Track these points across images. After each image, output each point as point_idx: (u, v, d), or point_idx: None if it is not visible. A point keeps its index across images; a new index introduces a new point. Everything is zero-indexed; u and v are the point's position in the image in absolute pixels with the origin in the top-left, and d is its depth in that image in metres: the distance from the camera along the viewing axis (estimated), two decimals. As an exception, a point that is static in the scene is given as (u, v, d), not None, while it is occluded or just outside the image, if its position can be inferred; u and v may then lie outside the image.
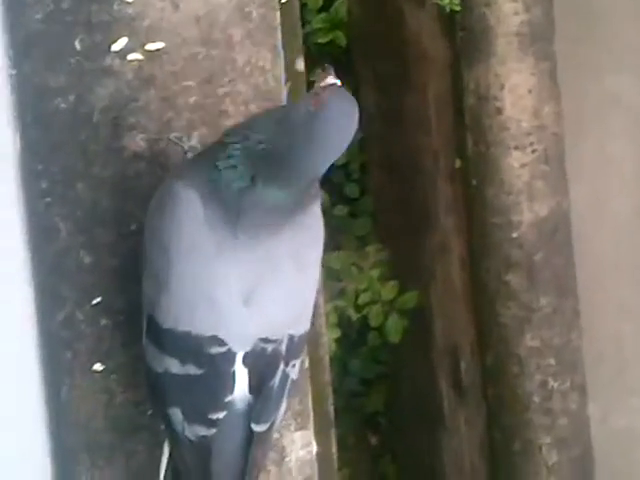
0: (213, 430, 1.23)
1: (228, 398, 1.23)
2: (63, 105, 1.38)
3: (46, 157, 1.37)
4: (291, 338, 1.25)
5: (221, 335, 1.21)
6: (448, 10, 2.30)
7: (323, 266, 1.42)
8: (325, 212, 1.30)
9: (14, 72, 1.33)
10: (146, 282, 1.26)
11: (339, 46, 2.49)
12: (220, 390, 1.23)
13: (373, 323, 2.50)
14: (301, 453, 1.45)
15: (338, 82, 1.16)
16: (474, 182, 2.38)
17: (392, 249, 2.57)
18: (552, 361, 2.37)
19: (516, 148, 2.33)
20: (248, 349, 1.23)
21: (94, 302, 1.38)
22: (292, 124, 1.14)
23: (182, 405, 1.23)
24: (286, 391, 1.27)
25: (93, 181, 1.39)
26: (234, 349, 1.22)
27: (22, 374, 1.23)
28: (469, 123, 2.37)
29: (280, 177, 1.16)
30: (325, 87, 1.15)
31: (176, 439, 1.25)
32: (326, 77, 1.16)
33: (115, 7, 1.40)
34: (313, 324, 1.38)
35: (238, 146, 1.18)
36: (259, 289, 1.21)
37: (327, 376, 1.73)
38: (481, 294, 2.42)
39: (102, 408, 1.38)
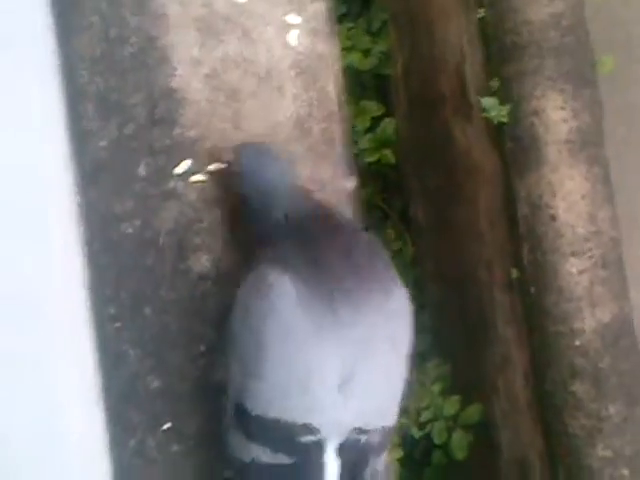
0: None
1: None
2: (129, 230, 1.39)
3: (114, 282, 1.37)
4: (384, 430, 1.22)
5: (315, 423, 1.18)
6: (496, 122, 2.32)
7: None
8: None
9: (81, 200, 1.34)
10: (234, 366, 1.23)
11: (388, 164, 2.51)
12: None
13: (437, 440, 2.43)
14: None
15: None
16: (532, 291, 2.35)
17: (453, 363, 2.53)
18: (626, 471, 2.29)
19: (573, 254, 2.31)
20: (342, 439, 1.19)
21: (164, 427, 1.36)
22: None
23: None
24: None
25: (161, 304, 1.38)
26: (327, 437, 1.19)
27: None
28: (523, 232, 2.36)
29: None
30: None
31: None
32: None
33: (177, 131, 1.41)
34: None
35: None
36: (355, 374, 1.19)
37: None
38: (547, 405, 2.37)
39: (176, 538, 1.35)
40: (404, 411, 2.41)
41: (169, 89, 1.41)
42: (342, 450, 1.20)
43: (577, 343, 2.29)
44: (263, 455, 1.20)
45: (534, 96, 2.28)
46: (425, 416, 2.42)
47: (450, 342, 2.55)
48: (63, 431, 1.08)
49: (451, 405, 2.45)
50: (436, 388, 2.46)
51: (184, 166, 1.41)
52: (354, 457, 1.20)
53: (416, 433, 2.40)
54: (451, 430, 2.43)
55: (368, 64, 2.42)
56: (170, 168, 1.40)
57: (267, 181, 1.25)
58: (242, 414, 1.21)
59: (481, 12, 2.27)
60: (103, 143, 1.39)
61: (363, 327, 1.20)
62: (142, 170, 1.40)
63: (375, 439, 1.22)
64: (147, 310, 1.38)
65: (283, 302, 1.19)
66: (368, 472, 1.22)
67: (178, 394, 1.37)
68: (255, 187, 1.26)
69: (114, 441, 1.31)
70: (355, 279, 1.21)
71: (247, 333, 1.21)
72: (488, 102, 2.30)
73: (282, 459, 1.19)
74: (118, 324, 1.36)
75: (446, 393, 2.45)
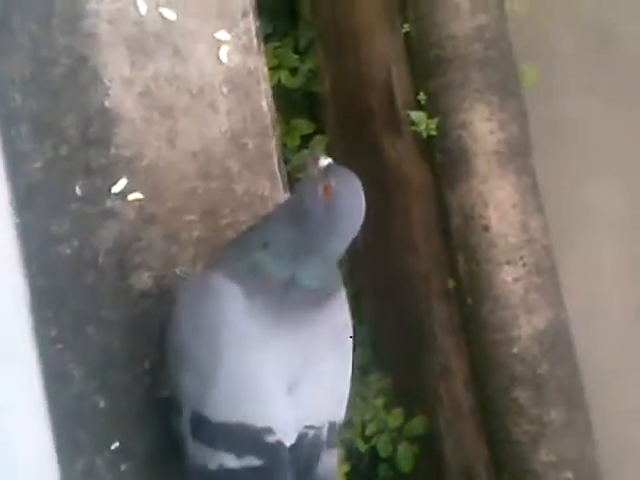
0: None
1: None
2: (67, 251, 1.39)
3: (54, 303, 1.36)
4: (331, 425, 1.24)
5: (272, 425, 1.20)
6: (425, 135, 2.34)
7: None
8: None
9: (18, 221, 1.33)
10: (186, 377, 1.23)
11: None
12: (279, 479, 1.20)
13: (383, 453, 2.44)
14: None
15: (331, 160, 1.22)
16: (469, 300, 2.37)
17: (394, 375, 2.54)
18: (570, 475, 2.32)
19: (507, 263, 2.34)
20: (294, 439, 1.21)
21: (113, 447, 1.35)
22: (312, 217, 1.19)
23: None
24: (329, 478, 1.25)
25: (103, 324, 1.38)
26: (283, 439, 1.21)
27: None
28: (457, 243, 2.38)
29: (311, 264, 1.19)
30: (325, 171, 1.19)
31: None
32: (319, 160, 1.21)
33: (112, 150, 1.41)
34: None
35: (267, 239, 1.21)
36: (303, 376, 1.21)
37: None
38: (490, 413, 2.38)
39: None
40: (349, 425, 2.43)
41: (102, 109, 1.41)
42: (296, 448, 1.21)
43: (515, 350, 2.31)
44: (230, 461, 1.20)
45: (461, 109, 2.31)
46: (370, 429, 2.43)
47: (390, 355, 2.56)
48: (12, 455, 1.07)
49: (395, 418, 2.46)
50: (379, 401, 2.47)
51: (121, 185, 1.40)
52: (306, 453, 1.22)
53: (362, 447, 2.40)
54: (396, 442, 2.44)
55: (296, 82, 2.43)
56: (106, 187, 1.40)
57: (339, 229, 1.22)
58: (202, 423, 1.21)
59: (406, 27, 2.29)
60: (38, 164, 1.38)
61: (307, 335, 1.22)
62: (78, 190, 1.39)
63: (324, 434, 1.23)
64: (89, 330, 1.37)
65: (233, 310, 1.20)
66: (320, 468, 1.23)
67: (125, 413, 1.36)
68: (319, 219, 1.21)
69: (62, 462, 1.30)
70: (305, 296, 1.23)
71: (199, 344, 1.22)
72: (416, 116, 2.33)
73: (251, 462, 1.20)
74: (60, 345, 1.35)
75: (389, 406, 2.46)
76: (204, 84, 1.42)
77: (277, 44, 2.39)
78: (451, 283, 2.42)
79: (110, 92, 1.41)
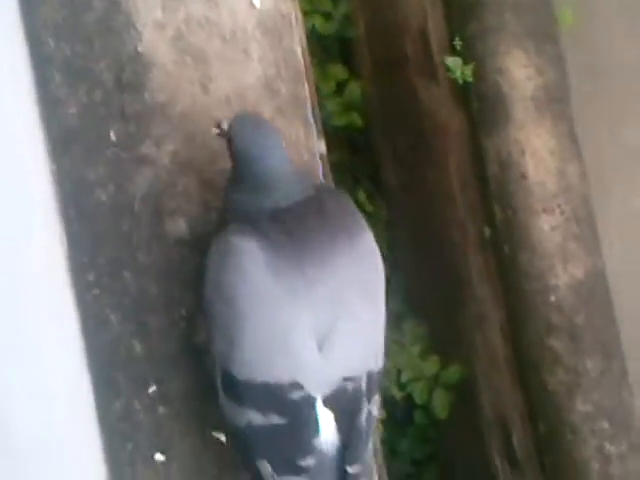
0: (304, 477, 1.20)
1: (315, 443, 1.21)
2: (103, 197, 1.39)
3: (91, 249, 1.37)
4: (370, 375, 1.24)
5: (300, 380, 1.20)
6: (461, 82, 2.32)
7: None
8: None
9: (54, 167, 1.33)
10: (216, 337, 1.24)
11: (356, 127, 2.50)
12: (306, 435, 1.21)
13: (418, 400, 2.45)
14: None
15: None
16: (506, 249, 2.36)
17: (430, 324, 2.54)
18: (606, 424, 2.31)
19: (545, 211, 2.32)
20: (329, 390, 1.21)
21: (150, 390, 1.36)
22: (240, 170, 1.28)
23: (269, 456, 1.21)
24: (372, 429, 1.25)
25: (139, 269, 1.38)
26: (314, 393, 1.20)
27: (85, 469, 1.20)
28: (494, 191, 2.37)
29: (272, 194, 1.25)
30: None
31: None
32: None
33: (146, 96, 1.41)
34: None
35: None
36: (333, 329, 1.20)
37: (380, 459, 1.70)
38: (526, 362, 2.38)
39: (167, 499, 1.35)
40: (384, 372, 2.43)
41: (136, 53, 1.40)
42: (332, 401, 1.21)
43: (552, 299, 2.30)
44: (256, 418, 1.21)
45: (498, 54, 2.28)
46: (405, 376, 2.43)
47: (426, 303, 2.56)
48: (53, 390, 1.09)
49: (431, 365, 2.47)
50: (415, 349, 2.48)
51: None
52: (345, 406, 1.22)
53: (397, 394, 2.41)
54: (432, 390, 2.45)
55: (330, 28, 2.41)
56: (141, 133, 1.40)
57: (257, 158, 1.25)
58: (230, 381, 1.22)
59: (441, -28, 2.26)
60: (72, 110, 1.38)
61: (334, 283, 1.21)
62: (113, 136, 1.39)
63: (363, 385, 1.23)
64: (126, 275, 1.37)
65: (253, 269, 1.20)
66: (363, 417, 1.23)
67: (162, 357, 1.37)
68: (245, 161, 1.26)
69: (100, 404, 1.31)
70: (321, 237, 1.23)
71: (221, 303, 1.23)
72: (452, 62, 2.30)
73: (275, 420, 1.20)
74: (97, 290, 1.36)
75: (425, 353, 2.47)
76: (236, 29, 1.41)
77: (310, -12, 2.36)
78: (487, 231, 2.41)
79: (143, 37, 1.40)
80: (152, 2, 1.39)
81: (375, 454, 1.65)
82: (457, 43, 2.29)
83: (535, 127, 2.31)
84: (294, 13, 1.45)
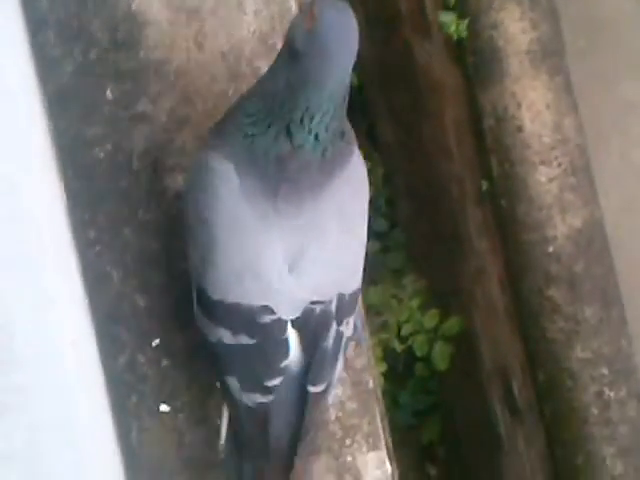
0: (270, 397, 1.23)
1: (283, 364, 1.23)
2: (101, 154, 1.40)
3: (91, 207, 1.39)
4: (341, 297, 1.24)
5: (270, 304, 1.21)
6: (456, 37, 2.32)
7: (363, 302, 1.43)
8: None
9: (51, 126, 1.35)
10: (192, 254, 1.25)
11: (351, 85, 2.50)
12: (274, 358, 1.22)
13: (419, 353, 2.48)
14: (377, 473, 1.43)
15: None
16: (503, 202, 2.37)
17: (429, 278, 2.56)
18: (605, 371, 2.34)
19: (542, 163, 2.33)
20: (297, 314, 1.22)
21: (154, 344, 1.38)
22: (295, 54, 1.12)
23: (238, 374, 1.23)
24: (341, 350, 1.26)
25: (139, 225, 1.40)
26: (284, 317, 1.22)
27: (92, 421, 1.23)
28: (491, 144, 2.38)
29: (302, 112, 1.13)
30: (311, 4, 1.11)
31: (234, 405, 1.25)
32: None
33: (141, 54, 1.42)
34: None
35: (259, 106, 1.16)
36: (304, 255, 1.20)
37: (381, 409, 1.72)
38: (525, 312, 2.40)
39: (173, 449, 1.38)
40: (384, 326, 2.46)
41: (129, 12, 1.41)
42: (299, 324, 1.22)
43: (550, 250, 2.32)
44: (226, 337, 1.22)
45: (492, 8, 2.28)
46: (405, 330, 2.46)
47: (425, 257, 2.58)
48: (59, 350, 1.11)
49: (430, 318, 2.49)
50: (414, 303, 2.50)
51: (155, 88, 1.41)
52: (312, 327, 1.23)
53: (398, 347, 2.44)
54: (432, 342, 2.47)
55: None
56: (137, 90, 1.41)
57: (331, 62, 1.10)
58: (204, 299, 1.23)
59: None
60: (68, 69, 1.40)
61: (309, 209, 1.19)
62: (109, 94, 1.41)
63: (332, 307, 1.24)
64: (126, 232, 1.39)
65: (225, 189, 1.19)
66: (330, 338, 1.24)
67: (164, 311, 1.39)
68: (315, 54, 1.10)
69: (105, 358, 1.34)
70: (306, 158, 1.17)
71: (196, 221, 1.23)
72: (446, 17, 2.31)
73: (244, 340, 1.22)
74: (98, 247, 1.38)
75: (424, 307, 2.49)
76: (230, -16, 1.42)
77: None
78: (485, 185, 2.43)
79: (136, -5, 1.41)
80: (144, -40, 1.40)
81: (378, 404, 1.68)
82: (451, -1, 2.29)
83: (531, 80, 2.32)
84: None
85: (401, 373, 2.49)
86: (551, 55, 2.33)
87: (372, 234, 2.57)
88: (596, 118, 2.44)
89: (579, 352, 2.33)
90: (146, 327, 1.38)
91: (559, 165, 2.34)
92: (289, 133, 1.14)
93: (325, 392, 1.26)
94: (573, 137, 2.35)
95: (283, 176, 1.16)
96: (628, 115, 2.50)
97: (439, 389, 2.54)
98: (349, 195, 1.22)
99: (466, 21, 2.28)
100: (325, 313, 1.23)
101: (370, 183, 1.29)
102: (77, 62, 1.39)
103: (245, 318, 1.21)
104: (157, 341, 1.38)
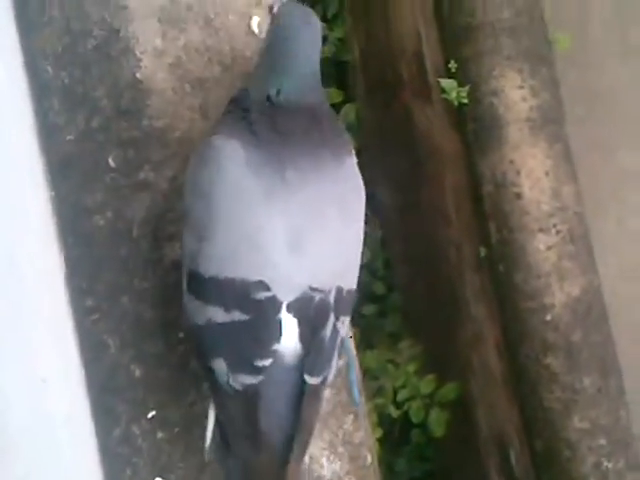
0: (260, 377, 1.19)
1: (275, 345, 1.20)
2: (101, 222, 1.40)
3: (90, 274, 1.38)
4: (339, 290, 1.23)
5: (267, 280, 1.19)
6: (456, 103, 2.34)
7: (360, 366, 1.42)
8: (354, 312, 1.30)
9: (53, 194, 1.34)
10: (186, 236, 1.24)
11: (350, 148, 2.52)
12: (266, 336, 1.19)
13: (415, 419, 2.45)
14: None
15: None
16: (501, 268, 2.37)
17: (425, 343, 2.55)
18: (603, 441, 2.32)
19: (540, 231, 2.33)
20: (295, 297, 1.20)
21: (149, 416, 1.37)
22: (268, 48, 1.28)
23: (226, 354, 1.19)
24: (336, 348, 1.23)
25: (137, 294, 1.39)
26: (280, 296, 1.20)
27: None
28: (489, 210, 2.38)
29: (285, 82, 1.24)
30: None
31: (221, 393, 1.20)
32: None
33: (145, 122, 1.42)
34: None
35: (245, 93, 1.27)
36: (306, 234, 1.19)
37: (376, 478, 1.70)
38: (522, 380, 2.39)
39: (166, 524, 1.36)
40: (380, 391, 2.44)
41: (134, 80, 1.41)
42: (296, 307, 1.20)
43: (548, 318, 2.32)
44: (218, 315, 1.20)
45: (492, 76, 2.30)
46: (402, 395, 2.44)
47: (422, 322, 2.57)
48: (52, 424, 1.09)
49: (427, 384, 2.47)
50: (411, 368, 2.48)
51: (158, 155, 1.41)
52: (310, 315, 1.21)
53: (394, 412, 2.42)
54: (428, 408, 2.45)
55: (325, 51, 2.43)
56: (140, 158, 1.41)
57: (292, 39, 1.27)
58: (196, 279, 1.22)
59: (435, -4, 2.29)
60: (71, 137, 1.39)
61: (313, 192, 1.21)
62: (112, 162, 1.40)
63: (331, 298, 1.22)
64: (124, 300, 1.38)
65: (231, 162, 1.20)
66: (328, 330, 1.22)
67: (160, 382, 1.37)
68: (280, 38, 1.28)
69: (99, 430, 1.32)
70: (307, 146, 1.22)
71: (196, 198, 1.22)
72: (447, 84, 2.33)
73: (237, 316, 1.19)
74: (96, 315, 1.37)
75: (421, 372, 2.48)
76: (236, 55, 1.43)
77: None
78: (483, 251, 2.43)
79: (141, 64, 1.41)
80: (151, 30, 1.41)
81: (373, 472, 1.66)
82: (452, 65, 2.31)
83: (530, 148, 2.33)
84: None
85: (397, 439, 2.47)
86: (551, 123, 2.34)
87: (369, 297, 2.58)
88: (594, 186, 2.45)
89: (577, 422, 2.32)
90: (142, 398, 1.36)
91: (557, 233, 2.34)
92: (269, 97, 1.25)
93: (321, 386, 1.23)
94: (572, 205, 2.36)
95: (281, 139, 1.21)
96: (625, 183, 2.52)
97: (436, 456, 2.52)
98: (350, 190, 1.26)
99: (467, 88, 2.29)
100: (324, 303, 1.21)
101: (367, 246, 1.29)
102: (80, 129, 1.39)
103: (239, 293, 1.19)
104: (152, 413, 1.36)
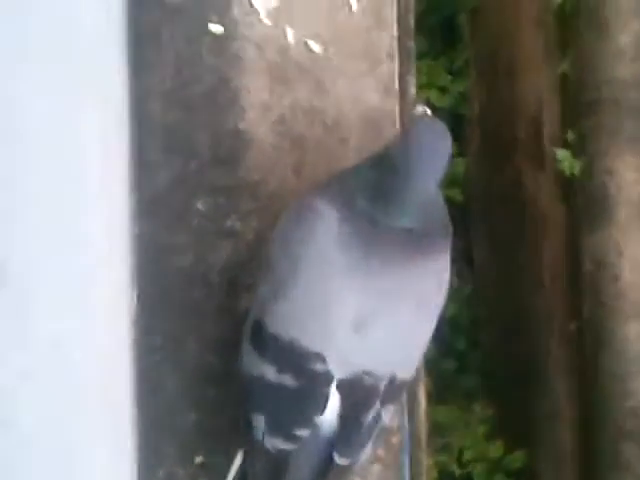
0: (293, 446, 1.21)
1: (317, 418, 1.21)
2: (181, 263, 1.42)
3: (160, 314, 1.40)
4: (392, 379, 1.23)
5: (325, 353, 1.20)
6: (568, 174, 2.31)
7: (428, 419, 1.41)
8: (433, 364, 1.29)
9: (137, 231, 1.37)
10: (263, 287, 1.26)
11: (455, 202, 2.50)
12: (311, 408, 1.21)
13: (478, 481, 2.44)
14: None
15: (427, 111, 1.25)
16: (589, 347, 2.34)
17: (500, 407, 2.52)
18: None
19: (634, 316, 2.29)
20: (347, 375, 1.21)
21: (196, 461, 1.39)
22: (389, 154, 1.22)
23: (268, 414, 1.22)
24: (374, 433, 1.24)
25: (204, 339, 1.41)
26: (333, 372, 1.21)
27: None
28: (585, 287, 2.35)
29: (397, 202, 1.20)
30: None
31: (253, 447, 1.23)
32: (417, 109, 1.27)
33: (240, 173, 1.44)
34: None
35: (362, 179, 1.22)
36: (374, 319, 1.20)
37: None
38: (593, 462, 2.35)
39: None
40: (445, 448, 2.42)
41: (236, 130, 1.44)
42: (346, 385, 1.21)
43: (629, 404, 2.27)
44: (270, 373, 1.22)
45: (609, 154, 2.27)
46: (467, 455, 2.42)
47: (499, 386, 2.55)
48: (94, 457, 1.11)
49: (495, 449, 2.45)
50: (481, 429, 2.46)
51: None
52: (356, 396, 1.22)
53: (456, 471, 2.41)
54: (493, 473, 2.43)
55: (445, 102, 2.43)
56: (229, 207, 1.43)
57: (419, 165, 1.19)
58: (259, 330, 1.23)
59: (564, 66, 2.26)
60: (165, 176, 1.42)
61: (392, 280, 1.21)
62: (201, 206, 1.43)
63: (382, 385, 1.22)
64: (190, 344, 1.40)
65: (324, 229, 1.21)
66: (370, 415, 1.22)
67: (213, 429, 1.39)
68: (407, 158, 1.20)
69: (143, 469, 1.34)
70: (400, 239, 1.22)
71: (281, 254, 1.24)
72: (562, 154, 2.31)
73: (287, 380, 1.21)
74: (159, 356, 1.39)
75: (490, 436, 2.45)
76: (340, 119, 1.43)
77: (431, 62, 2.38)
78: (573, 326, 2.39)
79: (246, 116, 1.43)
80: (261, 84, 1.43)
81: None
82: (570, 137, 2.28)
83: (636, 232, 2.29)
84: (397, 110, 1.47)
85: (456, 498, 2.45)
86: (661, 210, 2.30)
87: (450, 352, 2.55)
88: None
89: (642, 515, 2.27)
90: (192, 442, 1.38)
91: (651, 320, 2.29)
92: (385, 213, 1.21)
93: (348, 468, 1.24)
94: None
95: (377, 236, 1.20)
96: None
97: (494, 522, 2.49)
98: (434, 285, 1.25)
99: (581, 161, 2.26)
100: (373, 388, 1.22)
101: (453, 299, 1.29)
102: (175, 170, 1.42)
103: (296, 359, 1.21)
104: (200, 458, 1.38)
